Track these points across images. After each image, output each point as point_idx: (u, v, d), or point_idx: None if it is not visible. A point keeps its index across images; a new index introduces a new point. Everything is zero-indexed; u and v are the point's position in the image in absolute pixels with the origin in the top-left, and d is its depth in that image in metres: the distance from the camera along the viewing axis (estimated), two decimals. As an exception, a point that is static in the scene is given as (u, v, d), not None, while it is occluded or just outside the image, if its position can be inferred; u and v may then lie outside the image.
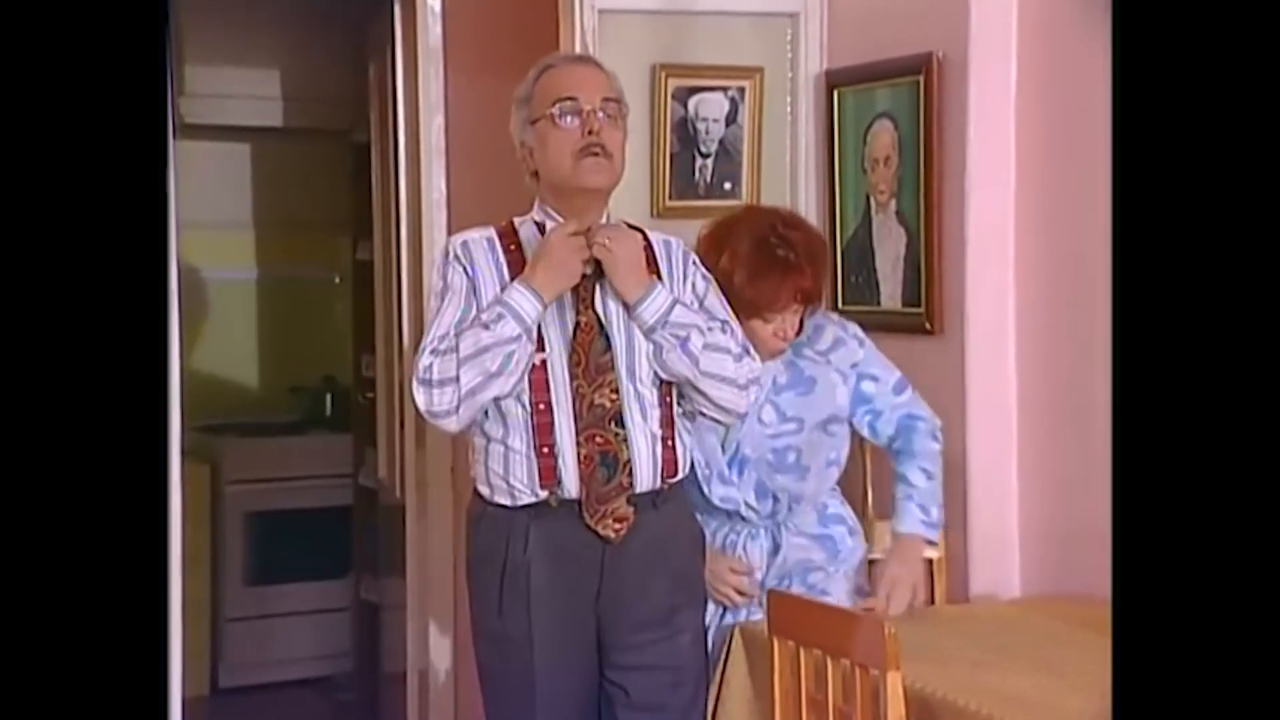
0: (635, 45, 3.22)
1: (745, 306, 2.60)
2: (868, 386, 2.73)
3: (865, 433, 2.75)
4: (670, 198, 3.26)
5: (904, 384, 2.75)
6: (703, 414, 2.47)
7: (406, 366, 3.93)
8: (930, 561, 2.79)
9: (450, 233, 3.75)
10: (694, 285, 2.50)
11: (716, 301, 2.51)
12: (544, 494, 2.37)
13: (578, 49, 3.11)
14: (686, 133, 3.27)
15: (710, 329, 2.42)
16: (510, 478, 2.38)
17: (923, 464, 2.69)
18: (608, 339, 2.39)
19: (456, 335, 2.32)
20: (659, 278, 2.44)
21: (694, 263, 2.54)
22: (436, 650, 3.82)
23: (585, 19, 3.13)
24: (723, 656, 2.68)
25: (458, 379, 2.29)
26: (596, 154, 2.37)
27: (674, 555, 2.46)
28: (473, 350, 2.29)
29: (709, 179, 3.31)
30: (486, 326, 2.31)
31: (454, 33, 3.75)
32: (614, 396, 2.37)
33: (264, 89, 4.99)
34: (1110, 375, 2.62)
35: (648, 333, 2.39)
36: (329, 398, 5.39)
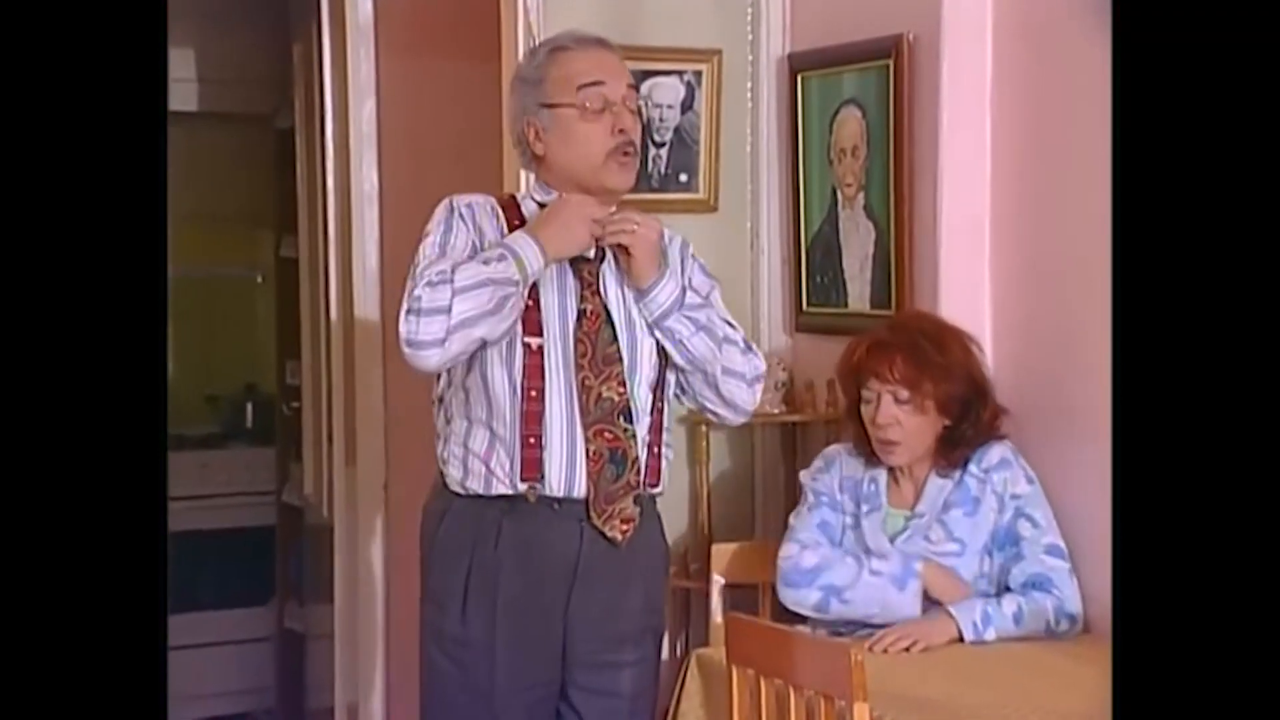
0: (582, 24, 3.20)
1: (844, 373, 2.80)
2: (1023, 527, 2.71)
3: (996, 573, 2.74)
4: (621, 190, 3.27)
5: (1064, 554, 2.68)
6: (709, 410, 2.51)
7: (335, 373, 3.93)
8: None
9: (383, 227, 3.78)
10: (692, 281, 2.53)
11: (718, 301, 2.55)
12: (523, 487, 2.38)
13: (520, 27, 3.13)
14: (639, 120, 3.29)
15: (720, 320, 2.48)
16: (491, 462, 2.39)
17: (1022, 607, 2.64)
18: (614, 329, 2.42)
19: (453, 269, 2.30)
20: None
21: (693, 257, 2.57)
22: (367, 684, 3.82)
23: (529, -5, 3.15)
24: (677, 687, 2.70)
25: (449, 309, 2.27)
26: (627, 153, 2.41)
27: (648, 573, 2.49)
28: (470, 282, 2.29)
29: (663, 170, 3.33)
30: (486, 263, 2.31)
31: (386, 9, 3.76)
32: (621, 390, 2.40)
33: (177, 70, 4.97)
34: (1093, 380, 2.70)
35: (660, 319, 2.41)
36: (250, 408, 5.37)
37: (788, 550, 2.77)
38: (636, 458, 2.41)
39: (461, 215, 2.42)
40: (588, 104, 2.40)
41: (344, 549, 3.88)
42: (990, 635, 2.63)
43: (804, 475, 2.89)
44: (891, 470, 2.80)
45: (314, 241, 4.23)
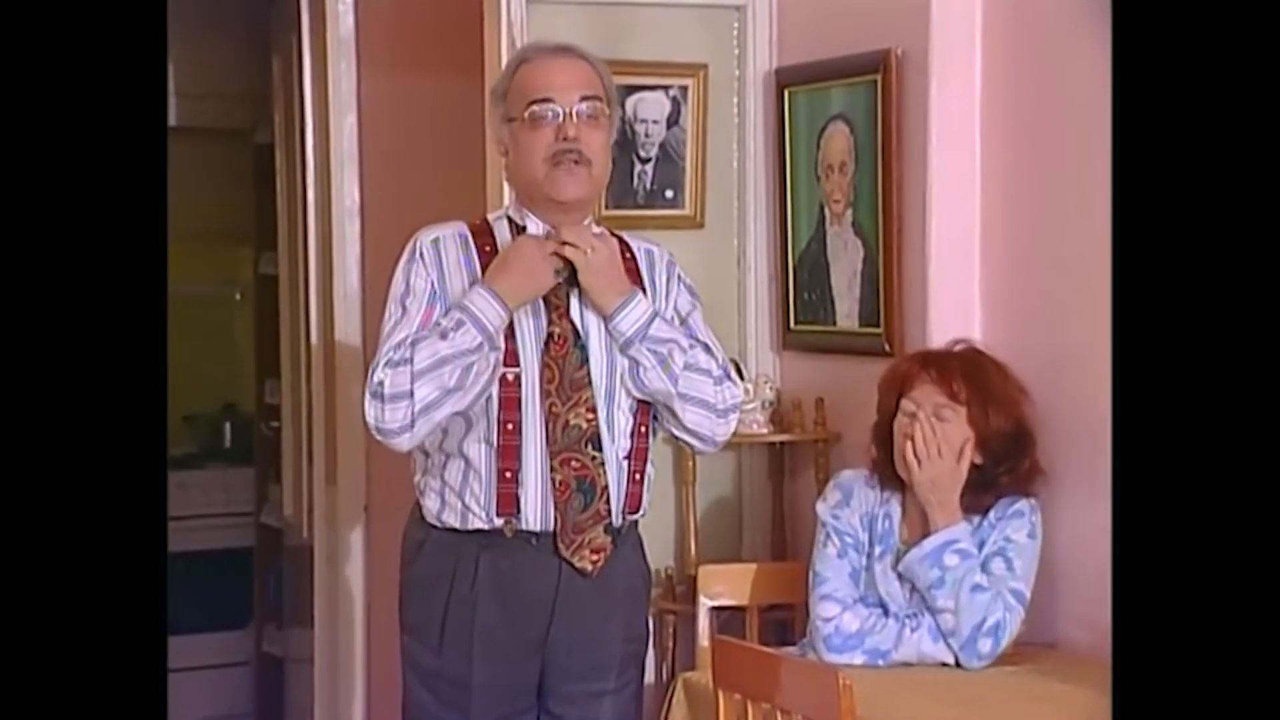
0: (567, 39, 3.24)
1: (892, 383, 2.74)
2: (996, 565, 2.67)
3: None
4: (606, 206, 3.28)
5: (1025, 604, 2.65)
6: (676, 437, 2.50)
7: (315, 391, 3.93)
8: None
9: (364, 244, 3.78)
10: (676, 302, 2.52)
11: (700, 322, 2.53)
12: (499, 522, 2.39)
13: (503, 41, 3.14)
14: (624, 136, 3.30)
15: (691, 347, 2.44)
16: (466, 496, 2.40)
17: (983, 586, 2.62)
18: (584, 352, 2.41)
19: (412, 345, 2.33)
20: (641, 288, 2.46)
21: (679, 276, 2.56)
22: (347, 709, 3.81)
23: (513, 9, 3.16)
24: (663, 712, 2.71)
25: (412, 394, 2.30)
26: (573, 161, 2.39)
27: (628, 599, 2.49)
28: (429, 363, 2.30)
29: (649, 186, 3.35)
30: (444, 335, 2.32)
31: (367, 23, 3.77)
32: (590, 416, 2.39)
33: (155, 83, 4.97)
34: (1087, 399, 2.71)
35: (624, 346, 2.40)
36: (228, 427, 5.37)
37: (826, 610, 2.68)
38: (606, 486, 2.40)
39: (422, 256, 2.42)
40: (530, 117, 2.40)
41: (324, 571, 3.88)
42: (954, 563, 2.61)
43: (822, 509, 2.79)
44: (904, 502, 2.75)
45: (294, 258, 4.23)
